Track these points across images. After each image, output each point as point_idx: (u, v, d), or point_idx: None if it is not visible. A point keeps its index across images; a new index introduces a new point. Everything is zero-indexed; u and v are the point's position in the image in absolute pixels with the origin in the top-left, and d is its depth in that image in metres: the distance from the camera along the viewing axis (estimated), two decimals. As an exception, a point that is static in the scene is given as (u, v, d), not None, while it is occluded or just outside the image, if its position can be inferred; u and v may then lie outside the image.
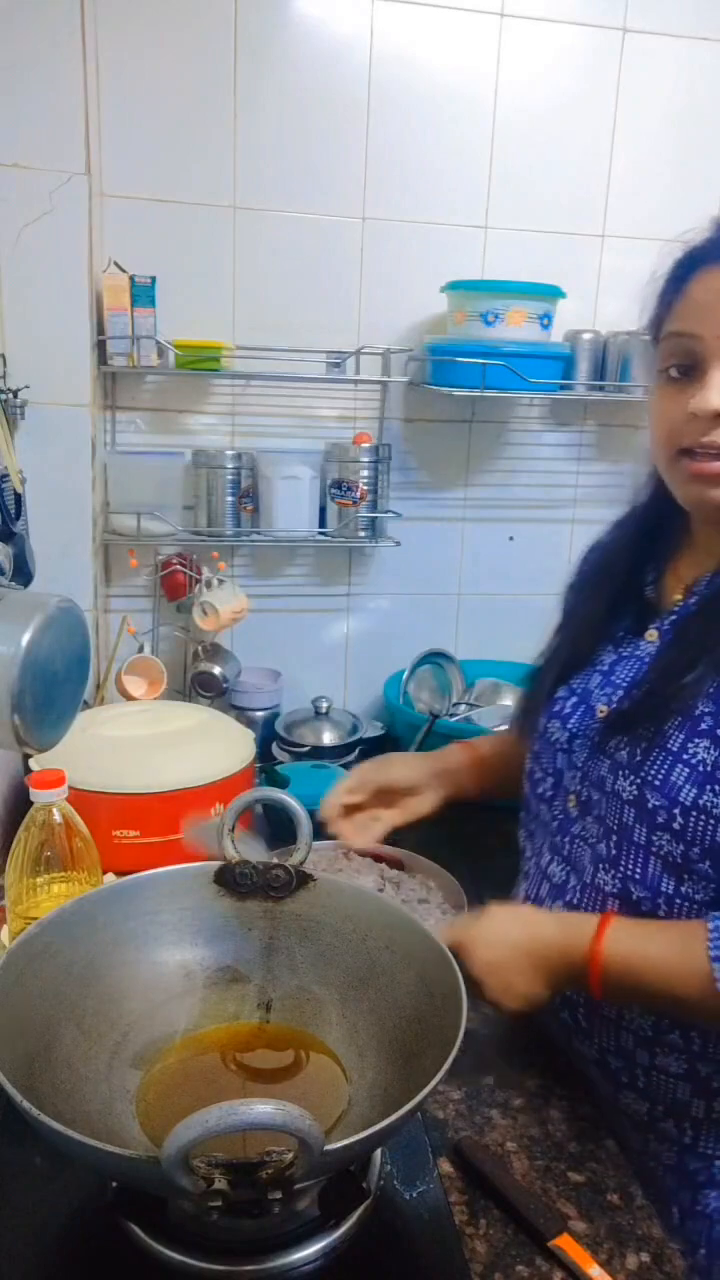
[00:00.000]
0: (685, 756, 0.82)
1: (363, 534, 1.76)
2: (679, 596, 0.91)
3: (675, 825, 0.82)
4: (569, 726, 0.94)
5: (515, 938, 0.85)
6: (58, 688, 0.83)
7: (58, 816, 0.96)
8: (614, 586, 0.97)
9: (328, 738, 1.73)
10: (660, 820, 0.83)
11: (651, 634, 0.92)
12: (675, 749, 0.82)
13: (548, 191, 1.76)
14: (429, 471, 1.87)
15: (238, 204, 1.66)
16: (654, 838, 0.83)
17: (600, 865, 0.89)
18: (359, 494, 1.71)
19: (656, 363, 0.84)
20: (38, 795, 0.96)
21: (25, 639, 0.77)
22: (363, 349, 1.71)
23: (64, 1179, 0.79)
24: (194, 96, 1.60)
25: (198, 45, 1.58)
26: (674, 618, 0.90)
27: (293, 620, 1.89)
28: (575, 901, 0.91)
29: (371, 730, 1.82)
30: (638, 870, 0.86)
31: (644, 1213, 0.79)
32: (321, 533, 1.75)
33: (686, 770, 0.81)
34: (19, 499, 1.42)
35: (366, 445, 1.71)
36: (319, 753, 1.70)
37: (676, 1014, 0.84)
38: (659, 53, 1.73)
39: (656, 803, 0.83)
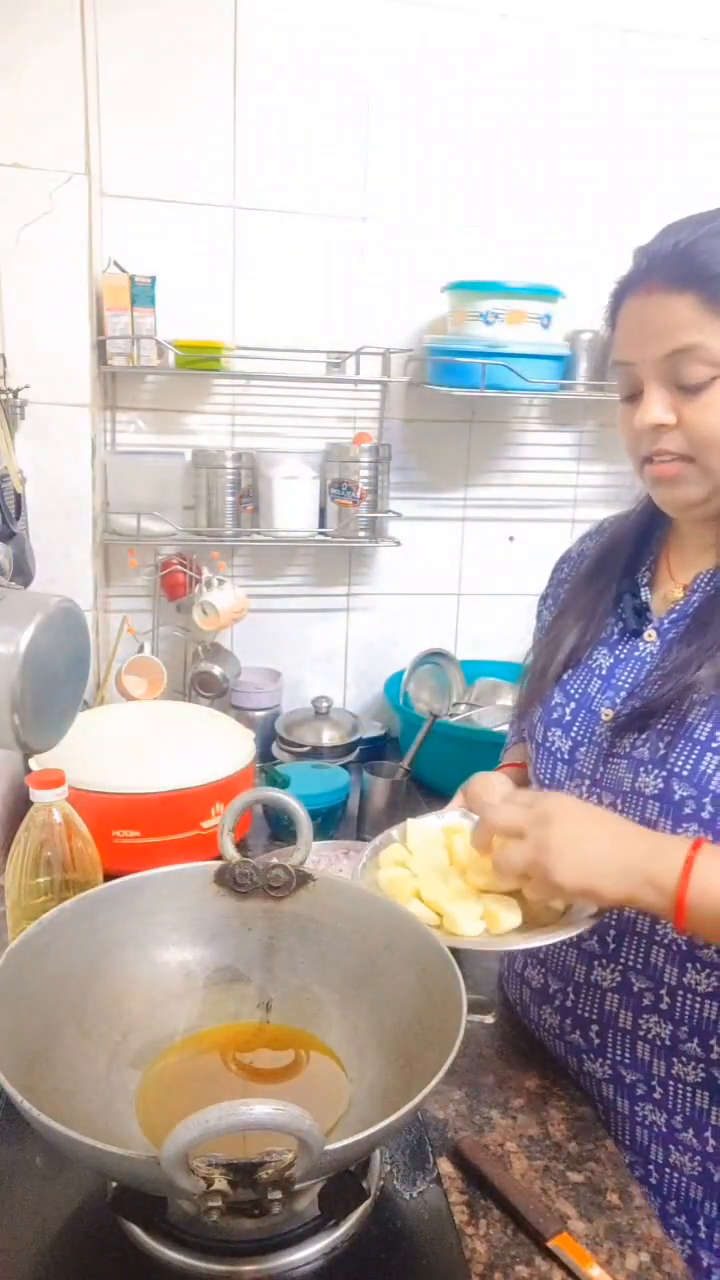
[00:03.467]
0: (714, 745, 0.81)
1: (363, 534, 1.76)
2: (679, 595, 0.92)
3: (705, 814, 0.81)
4: (571, 735, 0.94)
5: (601, 814, 0.81)
6: (58, 688, 0.83)
7: (58, 816, 0.96)
8: (608, 588, 0.97)
9: (328, 738, 1.73)
10: (688, 811, 0.82)
11: (650, 635, 0.92)
12: (703, 738, 0.82)
13: (548, 191, 1.76)
14: (429, 471, 1.87)
15: (238, 204, 1.66)
16: (679, 830, 0.83)
17: None
18: (359, 494, 1.71)
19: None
20: (38, 795, 0.96)
21: (25, 639, 0.77)
22: (363, 349, 1.71)
23: (64, 1179, 0.79)
24: (194, 96, 1.60)
25: (198, 45, 1.58)
26: (674, 616, 0.91)
27: (293, 620, 1.89)
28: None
29: (371, 730, 1.82)
30: None
31: (643, 1212, 0.79)
32: (321, 533, 1.75)
33: (716, 758, 0.81)
34: (19, 499, 1.42)
35: (366, 445, 1.71)
36: (319, 753, 1.70)
37: None
38: (659, 53, 1.73)
39: (685, 793, 0.82)
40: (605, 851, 0.77)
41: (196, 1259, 0.70)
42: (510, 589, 1.95)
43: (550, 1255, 0.74)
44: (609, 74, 1.73)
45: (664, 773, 0.84)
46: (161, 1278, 0.70)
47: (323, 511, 1.74)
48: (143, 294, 1.56)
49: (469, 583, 1.95)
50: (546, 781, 0.97)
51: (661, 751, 0.84)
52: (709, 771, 0.81)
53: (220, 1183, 0.57)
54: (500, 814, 0.82)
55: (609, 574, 0.98)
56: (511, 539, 1.94)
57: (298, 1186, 0.59)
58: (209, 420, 1.75)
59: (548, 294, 1.62)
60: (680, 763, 0.83)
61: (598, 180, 1.77)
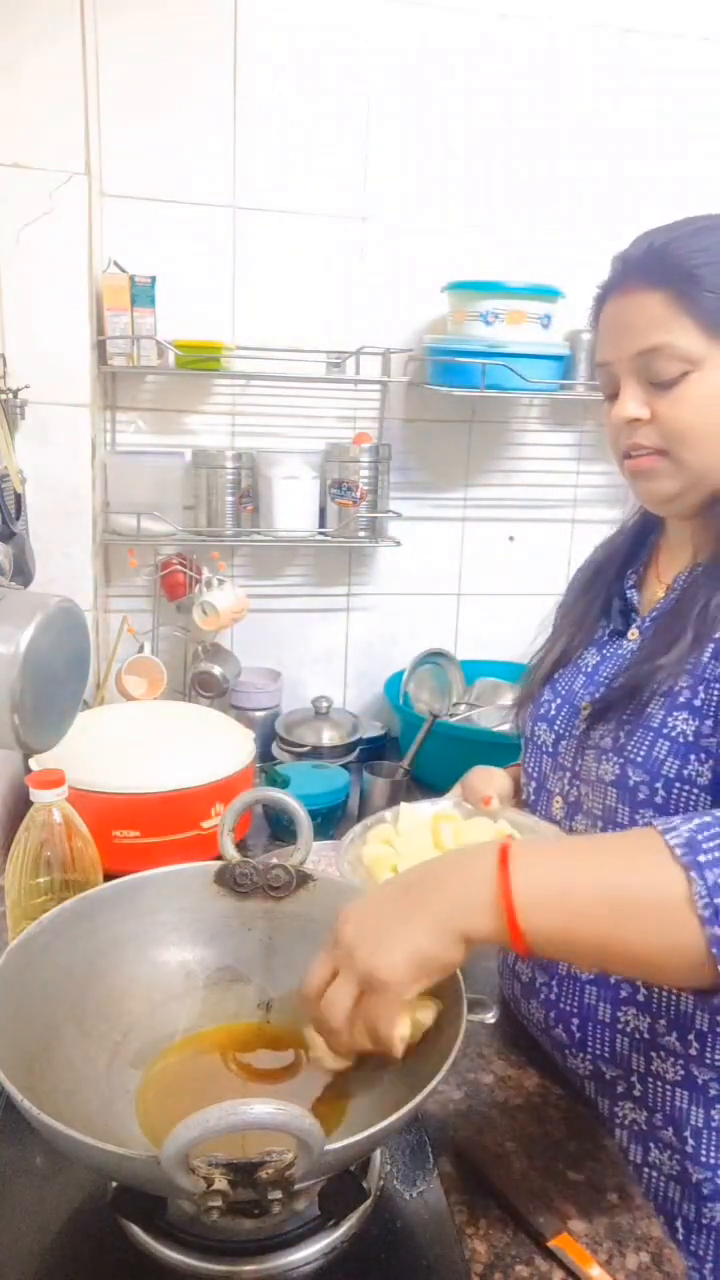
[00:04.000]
0: (665, 730, 0.83)
1: (363, 534, 1.76)
2: (660, 595, 0.95)
3: (658, 799, 0.83)
4: (554, 728, 0.97)
5: (381, 890, 0.71)
6: (58, 688, 0.83)
7: (58, 816, 0.96)
8: (602, 592, 1.01)
9: (328, 738, 1.73)
10: (642, 796, 0.84)
11: (634, 633, 0.95)
12: (656, 725, 0.84)
13: (548, 191, 1.76)
14: (429, 471, 1.87)
15: (238, 204, 1.66)
16: (637, 817, 0.85)
17: None
18: (359, 494, 1.71)
19: None
20: (38, 795, 0.96)
21: (25, 639, 0.77)
22: (363, 349, 1.71)
23: (64, 1179, 0.79)
24: (194, 96, 1.60)
25: (198, 45, 1.58)
26: (655, 614, 0.93)
27: (293, 620, 1.89)
28: None
29: (371, 730, 1.82)
30: None
31: (643, 1212, 0.79)
32: (321, 533, 1.75)
33: (667, 744, 0.83)
34: (19, 499, 1.42)
35: (366, 445, 1.71)
36: (319, 753, 1.70)
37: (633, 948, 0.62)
38: (659, 53, 1.73)
39: (637, 779, 0.84)
40: (401, 911, 0.65)
41: (196, 1259, 0.70)
42: (510, 589, 1.95)
43: (550, 1255, 0.74)
44: (609, 74, 1.73)
45: (621, 759, 0.86)
46: (161, 1278, 0.70)
47: (323, 511, 1.74)
48: (143, 294, 1.56)
49: (469, 583, 1.95)
50: (534, 775, 1.00)
51: (621, 740, 0.86)
52: (660, 756, 0.83)
53: (220, 1183, 0.57)
54: (308, 978, 0.70)
55: (603, 580, 1.02)
56: (511, 539, 1.94)
57: (298, 1186, 0.59)
58: (209, 420, 1.75)
59: (548, 294, 1.62)
60: (634, 749, 0.85)
61: (598, 180, 1.77)
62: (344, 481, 1.71)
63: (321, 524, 1.75)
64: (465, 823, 0.96)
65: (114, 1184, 0.67)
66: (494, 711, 1.75)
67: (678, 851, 0.60)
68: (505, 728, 1.58)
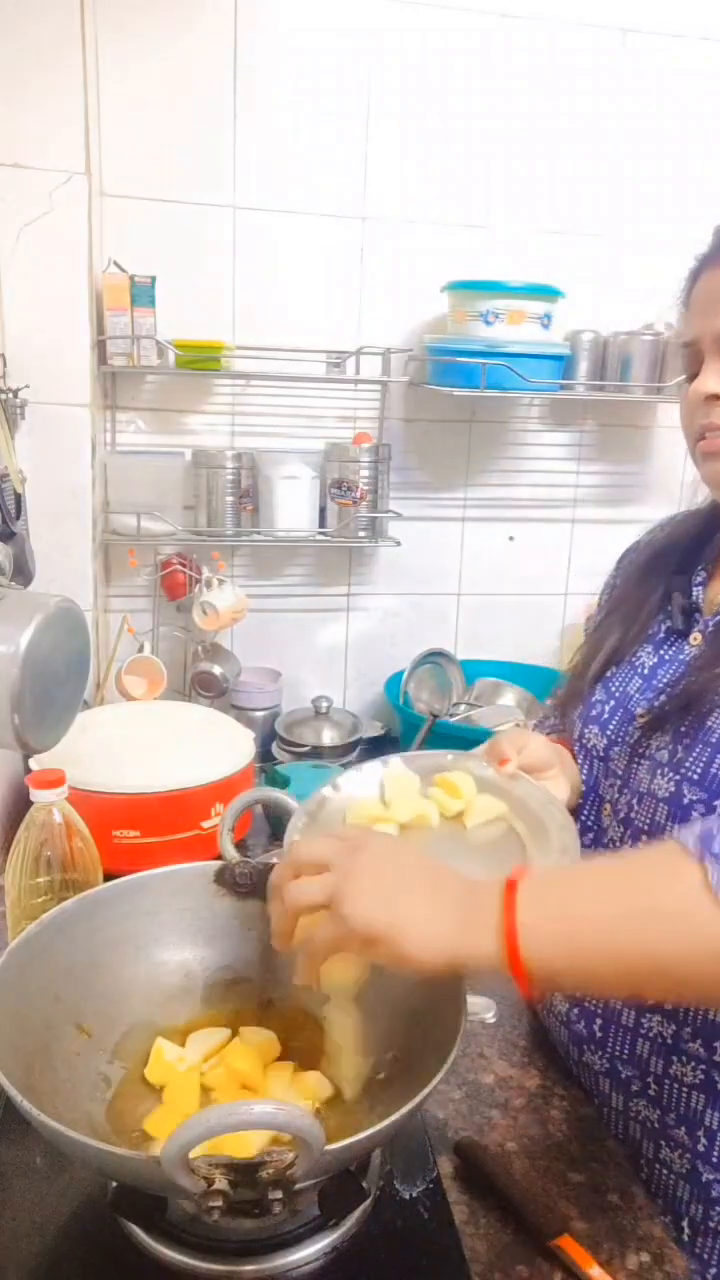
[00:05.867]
0: None
1: (363, 534, 1.76)
2: None
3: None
4: (607, 733, 0.92)
5: (425, 859, 0.67)
6: (58, 688, 0.83)
7: (58, 816, 0.96)
8: (663, 583, 0.95)
9: (328, 738, 1.73)
10: (696, 816, 0.80)
11: (696, 637, 0.89)
12: (716, 740, 0.79)
13: (548, 191, 1.76)
14: (429, 471, 1.87)
15: (238, 204, 1.66)
16: None
17: None
18: (359, 494, 1.71)
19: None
20: (38, 795, 0.96)
21: (25, 639, 0.77)
22: (363, 349, 1.71)
23: (64, 1179, 0.79)
24: (194, 96, 1.60)
25: (198, 45, 1.58)
26: (719, 619, 0.89)
27: (293, 620, 1.89)
28: None
29: (371, 730, 1.82)
30: None
31: (644, 1213, 0.79)
32: (321, 533, 1.75)
33: None
34: (19, 499, 1.42)
35: (366, 445, 1.71)
36: (319, 753, 1.70)
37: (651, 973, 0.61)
38: (659, 53, 1.73)
39: (694, 797, 0.80)
40: (416, 888, 0.63)
41: (196, 1259, 0.69)
42: (510, 589, 1.95)
43: (551, 1255, 0.73)
44: (609, 74, 1.73)
45: (677, 776, 0.82)
46: (161, 1278, 0.70)
47: (323, 511, 1.74)
48: (143, 294, 1.56)
49: (469, 583, 1.95)
50: (584, 779, 0.95)
51: (679, 754, 0.82)
52: (719, 774, 0.79)
53: (220, 1183, 0.57)
54: (308, 845, 0.69)
55: (662, 571, 0.96)
56: (511, 539, 1.94)
57: (298, 1186, 0.59)
58: (209, 420, 1.75)
59: (548, 294, 1.62)
60: (692, 765, 0.81)
61: (598, 180, 1.77)
62: (344, 481, 1.71)
63: (321, 524, 1.75)
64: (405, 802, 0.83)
65: (114, 1184, 0.67)
66: (494, 711, 1.75)
67: (690, 847, 0.60)
68: (507, 728, 1.58)
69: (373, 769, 0.89)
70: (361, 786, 0.87)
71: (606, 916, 0.61)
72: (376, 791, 0.86)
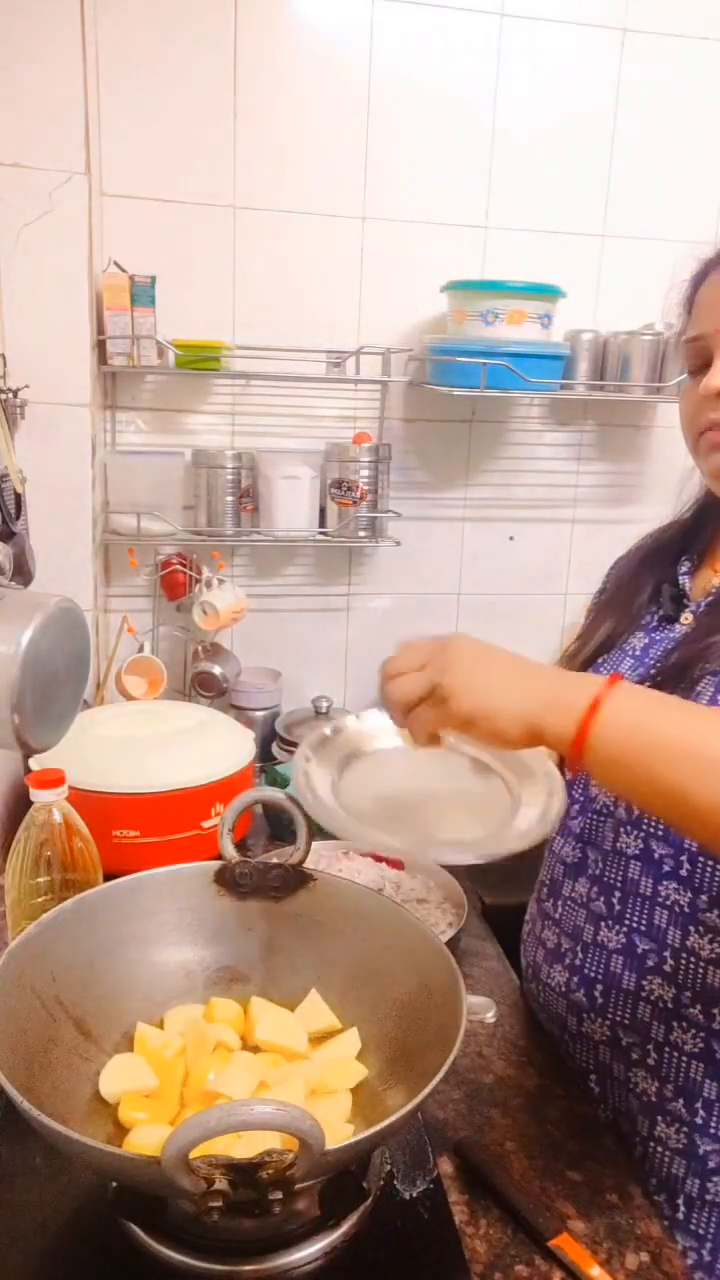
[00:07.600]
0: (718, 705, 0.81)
1: (363, 534, 1.76)
2: (716, 581, 0.93)
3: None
4: None
5: (509, 653, 0.77)
6: (58, 688, 0.83)
7: (58, 816, 0.96)
8: (651, 580, 0.99)
9: (328, 738, 1.73)
10: None
11: (687, 617, 0.94)
12: (705, 703, 0.82)
13: (548, 191, 1.76)
14: (429, 471, 1.87)
15: (238, 204, 1.66)
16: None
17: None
18: (359, 494, 1.71)
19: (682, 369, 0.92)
20: (38, 795, 0.96)
21: (25, 639, 0.77)
22: (363, 349, 1.71)
23: (64, 1179, 0.79)
24: (194, 96, 1.60)
25: (198, 45, 1.58)
26: (711, 599, 0.92)
27: (293, 620, 1.89)
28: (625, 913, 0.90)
29: (371, 730, 1.82)
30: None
31: (643, 1212, 0.79)
32: (321, 533, 1.75)
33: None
34: (19, 499, 1.42)
35: (366, 445, 1.71)
36: (319, 753, 1.70)
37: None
38: (659, 53, 1.73)
39: None
40: (509, 673, 0.73)
41: (196, 1259, 0.69)
42: (510, 589, 1.95)
43: (550, 1255, 0.74)
44: (609, 74, 1.73)
45: None
46: (161, 1278, 0.70)
47: (323, 511, 1.74)
48: (143, 294, 1.56)
49: (469, 583, 1.95)
50: None
51: None
52: None
53: (220, 1183, 0.57)
54: (401, 654, 0.77)
55: (652, 569, 1.00)
56: (511, 539, 1.94)
57: (298, 1186, 0.59)
58: (209, 420, 1.75)
59: (548, 293, 1.62)
60: None
61: (598, 180, 1.77)
62: (344, 481, 1.71)
63: (321, 524, 1.75)
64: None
65: (114, 1184, 0.67)
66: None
67: None
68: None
69: (370, 714, 0.91)
70: (363, 723, 0.90)
71: (687, 721, 0.67)
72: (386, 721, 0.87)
